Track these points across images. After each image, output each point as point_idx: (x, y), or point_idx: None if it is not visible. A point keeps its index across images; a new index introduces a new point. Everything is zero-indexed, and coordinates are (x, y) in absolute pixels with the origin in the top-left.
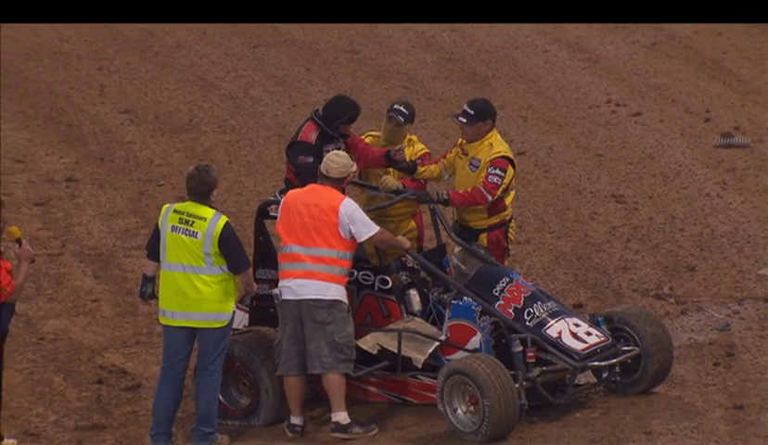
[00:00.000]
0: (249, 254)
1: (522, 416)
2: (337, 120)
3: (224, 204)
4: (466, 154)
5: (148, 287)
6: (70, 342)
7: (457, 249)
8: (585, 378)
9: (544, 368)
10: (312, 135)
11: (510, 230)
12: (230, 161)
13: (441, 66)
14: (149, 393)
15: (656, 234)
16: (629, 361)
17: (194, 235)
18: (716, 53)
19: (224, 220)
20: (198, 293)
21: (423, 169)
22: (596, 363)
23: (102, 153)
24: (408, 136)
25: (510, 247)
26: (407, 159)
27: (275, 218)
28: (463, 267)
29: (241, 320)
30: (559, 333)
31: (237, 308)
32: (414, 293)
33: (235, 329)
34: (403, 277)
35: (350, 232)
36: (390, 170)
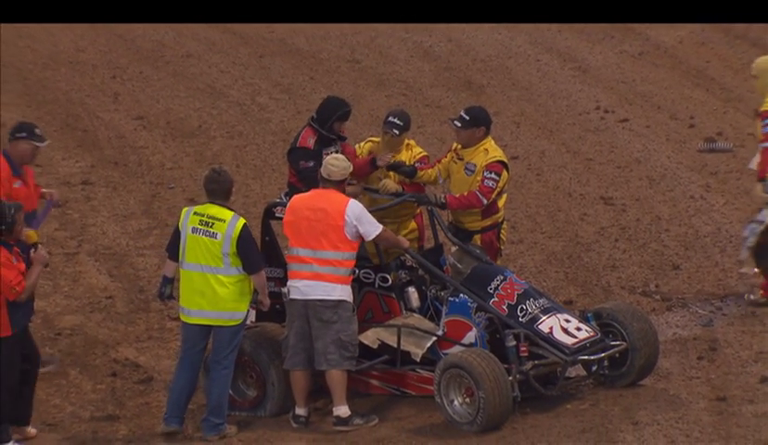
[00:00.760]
0: None
1: (515, 408)
2: (329, 119)
3: (232, 205)
4: (461, 159)
5: (167, 288)
6: (85, 337)
7: (454, 249)
8: (575, 371)
9: (536, 362)
10: (310, 140)
11: (503, 231)
12: (238, 165)
13: (439, 74)
14: (161, 385)
15: (642, 234)
16: (617, 355)
17: (213, 236)
18: (700, 62)
19: (242, 222)
20: (214, 293)
21: (422, 173)
22: (586, 357)
23: (116, 157)
24: (406, 141)
25: (503, 247)
26: (407, 163)
27: (281, 219)
28: (459, 266)
29: (249, 316)
30: (551, 328)
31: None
32: (412, 290)
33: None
34: (403, 275)
35: (356, 232)
36: (390, 173)
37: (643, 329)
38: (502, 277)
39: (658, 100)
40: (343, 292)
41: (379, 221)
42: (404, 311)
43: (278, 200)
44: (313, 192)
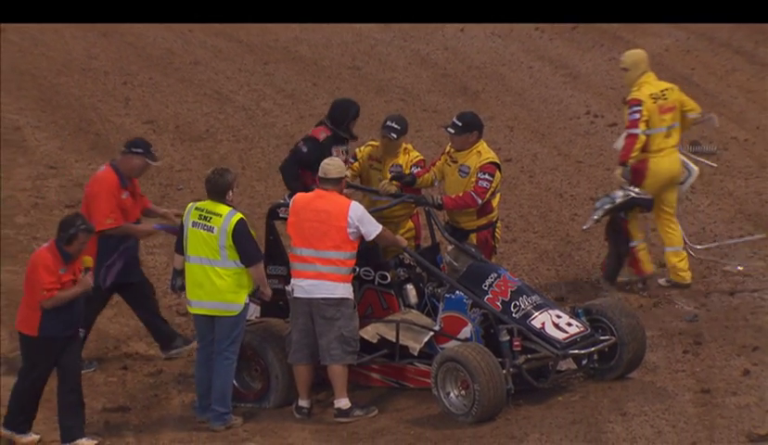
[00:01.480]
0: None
1: (509, 399)
2: (345, 119)
3: (237, 206)
4: (455, 161)
5: (178, 280)
6: (98, 332)
7: (450, 248)
8: (566, 365)
9: (528, 356)
10: (322, 135)
11: (497, 230)
12: (243, 167)
13: (436, 81)
14: (170, 378)
15: None
16: (606, 349)
17: (210, 229)
18: (685, 69)
19: (238, 216)
20: (212, 284)
21: (420, 179)
22: (576, 351)
23: None
24: (404, 145)
25: (497, 245)
26: (404, 166)
27: (285, 219)
28: (455, 264)
29: (254, 311)
30: (543, 324)
31: (251, 300)
32: (410, 287)
33: (248, 320)
34: (401, 273)
35: (358, 232)
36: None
37: (631, 324)
38: (496, 275)
39: None
40: (345, 290)
41: (378, 221)
42: (403, 308)
43: (282, 201)
44: (314, 193)
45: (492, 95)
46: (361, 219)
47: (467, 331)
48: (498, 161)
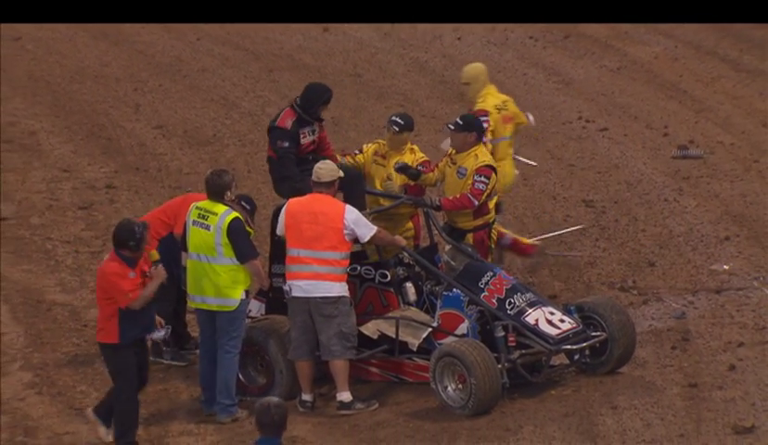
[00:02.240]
0: (266, 251)
1: (504, 393)
2: (315, 104)
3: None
4: (454, 163)
5: (184, 277)
6: None
7: (448, 247)
8: (559, 360)
9: (523, 351)
10: (288, 121)
11: (493, 231)
12: (249, 170)
13: (434, 87)
14: (178, 373)
15: (621, 234)
16: (597, 344)
17: (207, 228)
18: (673, 76)
19: (233, 215)
20: (210, 280)
21: (424, 176)
22: (569, 347)
23: (137, 163)
24: (410, 145)
25: (493, 245)
26: (411, 166)
27: None
28: (453, 263)
29: (259, 309)
30: (536, 320)
31: (255, 298)
32: (410, 285)
33: (253, 317)
34: (401, 272)
35: (353, 235)
36: (395, 175)
37: (621, 321)
38: (491, 273)
39: (634, 111)
40: (341, 289)
41: (379, 220)
42: (402, 305)
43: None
44: (309, 197)
45: None
46: (356, 222)
47: (463, 327)
48: (494, 165)
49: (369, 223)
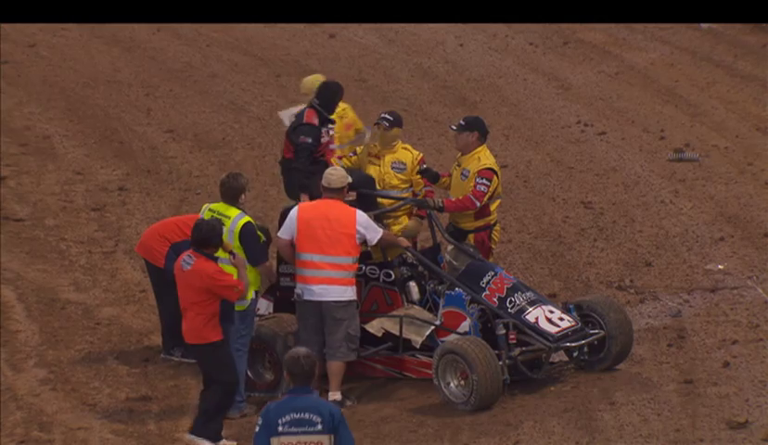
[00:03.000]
0: (273, 251)
1: (505, 389)
2: (333, 101)
3: (251, 209)
4: (459, 165)
5: None
6: (121, 327)
7: (450, 248)
8: (559, 357)
9: (523, 348)
10: (314, 119)
11: (495, 233)
12: (257, 173)
13: (437, 92)
14: (188, 370)
15: (618, 234)
16: (595, 342)
17: None
18: (669, 81)
19: (245, 219)
20: None
21: (443, 179)
22: (568, 344)
23: (149, 166)
24: (401, 144)
25: (494, 247)
26: (408, 164)
27: None
28: (455, 263)
29: (267, 307)
30: (536, 318)
31: (263, 297)
32: (413, 285)
33: (261, 315)
34: (404, 271)
35: (363, 238)
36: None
37: (619, 319)
38: (493, 273)
39: (632, 115)
40: (352, 293)
41: (377, 219)
42: (406, 304)
43: (293, 205)
44: (320, 203)
45: (490, 105)
46: (366, 226)
47: (465, 325)
48: (495, 168)
49: (377, 227)
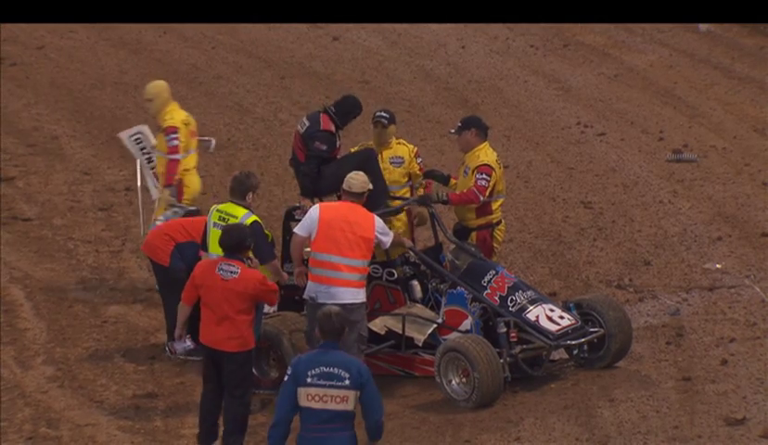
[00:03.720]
0: (278, 250)
1: (506, 386)
2: (349, 115)
3: (256, 209)
4: (463, 163)
5: None
6: (128, 325)
7: (452, 247)
8: (559, 355)
9: (524, 346)
10: (331, 126)
11: (498, 233)
12: (262, 173)
13: (439, 94)
14: (194, 367)
15: (617, 234)
16: (595, 340)
17: None
18: (668, 83)
19: (252, 218)
20: None
21: (453, 182)
22: (568, 342)
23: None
24: (396, 140)
25: (497, 246)
26: (406, 157)
27: (299, 221)
28: (457, 262)
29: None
30: (537, 317)
31: None
32: (416, 283)
33: (266, 314)
34: (407, 270)
35: (377, 242)
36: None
37: (618, 318)
38: (494, 272)
39: (631, 116)
40: (364, 295)
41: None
42: (408, 302)
43: (297, 205)
44: (341, 204)
45: (491, 107)
46: (383, 231)
47: (467, 323)
48: (493, 164)
49: (388, 230)
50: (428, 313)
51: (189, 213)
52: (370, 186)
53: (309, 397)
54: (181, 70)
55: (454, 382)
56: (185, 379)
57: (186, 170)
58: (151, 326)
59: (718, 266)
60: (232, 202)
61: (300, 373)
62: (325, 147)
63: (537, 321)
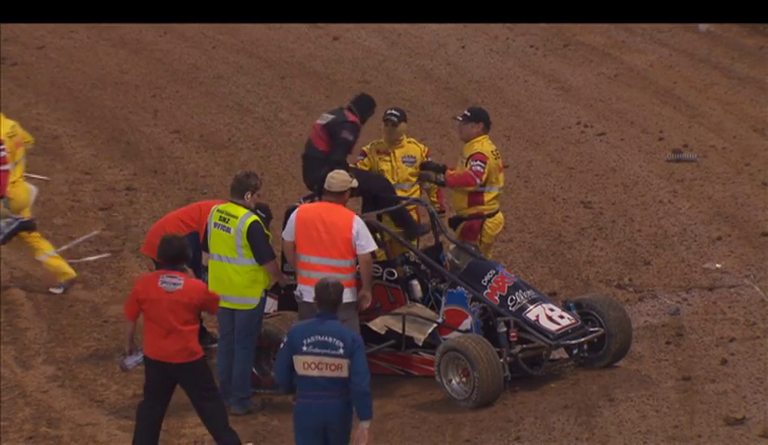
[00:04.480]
0: (278, 250)
1: (506, 386)
2: (367, 113)
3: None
4: (461, 155)
5: (204, 276)
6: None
7: (452, 247)
8: (559, 354)
9: (524, 346)
10: (356, 119)
11: (489, 225)
12: (262, 173)
13: (439, 94)
14: None
15: (617, 233)
16: (595, 340)
17: (228, 230)
18: (668, 83)
19: (252, 218)
20: (230, 280)
21: (452, 171)
22: (568, 342)
23: (155, 166)
24: (407, 138)
25: (484, 239)
26: (418, 157)
27: None
28: (457, 261)
29: (272, 305)
30: (537, 316)
31: (268, 295)
32: (416, 283)
33: (266, 313)
34: (407, 270)
35: (356, 244)
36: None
37: (618, 317)
38: (494, 271)
39: (631, 116)
40: (351, 295)
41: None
42: (409, 302)
43: (297, 204)
44: (318, 204)
45: (491, 106)
46: (360, 233)
47: (467, 323)
48: (485, 152)
49: (371, 238)
50: (429, 313)
51: (24, 224)
52: (354, 184)
53: (305, 365)
54: (181, 70)
55: (454, 381)
56: None
57: (12, 182)
58: None
59: (718, 266)
60: (232, 202)
61: (296, 341)
62: (351, 137)
63: (537, 320)
